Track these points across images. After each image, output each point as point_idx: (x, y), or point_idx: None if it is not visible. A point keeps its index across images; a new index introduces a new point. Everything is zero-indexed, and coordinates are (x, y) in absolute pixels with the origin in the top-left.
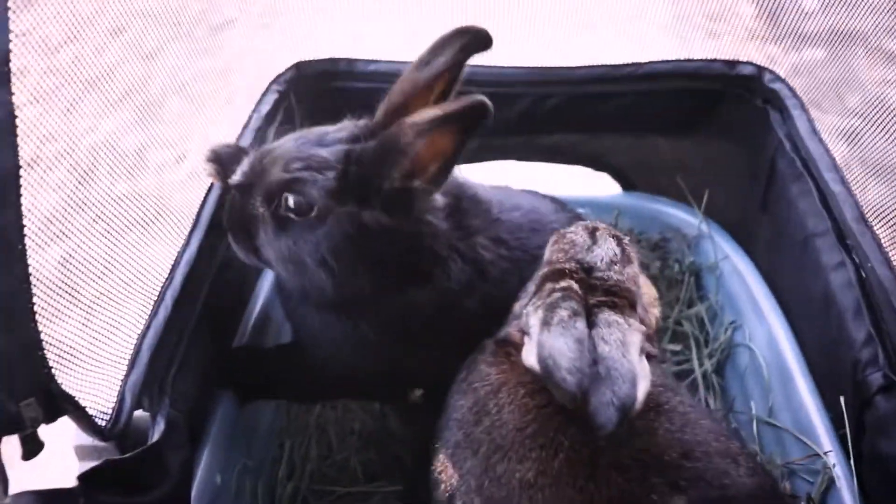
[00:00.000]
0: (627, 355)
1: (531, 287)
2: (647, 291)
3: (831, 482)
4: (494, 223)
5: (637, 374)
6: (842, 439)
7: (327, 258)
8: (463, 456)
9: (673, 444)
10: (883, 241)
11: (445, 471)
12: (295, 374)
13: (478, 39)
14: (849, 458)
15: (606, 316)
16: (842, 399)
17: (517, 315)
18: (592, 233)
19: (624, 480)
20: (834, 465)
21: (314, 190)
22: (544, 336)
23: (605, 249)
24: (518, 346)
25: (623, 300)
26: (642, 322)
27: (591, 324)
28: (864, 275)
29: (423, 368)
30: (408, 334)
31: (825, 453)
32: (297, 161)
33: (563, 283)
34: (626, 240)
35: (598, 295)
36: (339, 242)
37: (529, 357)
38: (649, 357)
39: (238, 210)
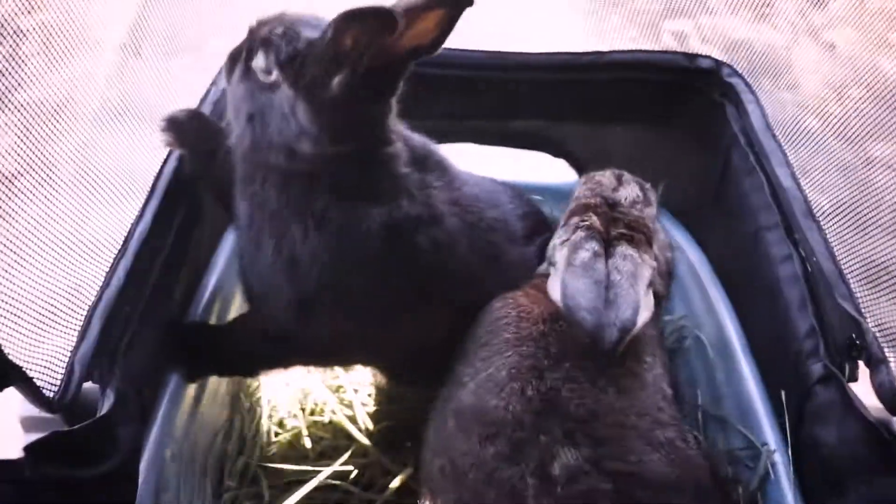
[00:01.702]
0: (635, 286)
1: (561, 220)
2: (662, 237)
3: (771, 466)
4: (454, 189)
5: (640, 304)
6: (783, 427)
7: (270, 120)
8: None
9: (588, 400)
10: (829, 236)
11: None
12: (246, 346)
13: None
14: (788, 446)
15: (623, 249)
16: (783, 393)
17: (549, 251)
18: (619, 177)
19: (522, 409)
20: (774, 451)
21: (273, 58)
22: (567, 276)
23: (629, 191)
24: (545, 278)
25: (641, 235)
26: (656, 260)
27: (608, 254)
28: (809, 268)
29: (374, 322)
30: (356, 259)
31: (762, 445)
32: (283, 28)
33: (587, 220)
34: (648, 186)
35: (619, 227)
36: (287, 114)
37: (554, 290)
38: (657, 295)
39: (243, 43)
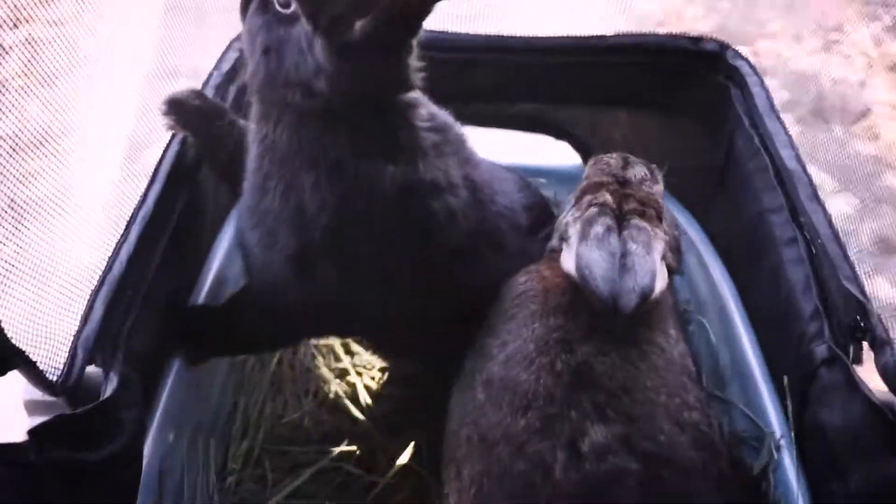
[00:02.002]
0: (650, 254)
1: (570, 200)
2: (668, 214)
3: (776, 449)
4: (471, 165)
5: (656, 271)
6: (787, 410)
7: (286, 55)
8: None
9: (620, 374)
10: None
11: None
12: (247, 320)
13: None
14: (791, 430)
15: (636, 222)
16: (785, 378)
17: (558, 227)
18: (625, 158)
19: (553, 383)
20: (781, 437)
21: None
22: (582, 248)
23: (637, 170)
24: (558, 251)
25: (652, 210)
26: (667, 239)
27: (622, 227)
28: (814, 250)
29: (372, 285)
30: (366, 216)
31: (767, 429)
32: None
33: (599, 197)
34: (654, 166)
35: (630, 203)
36: (304, 48)
37: (567, 262)
38: (670, 270)
39: None
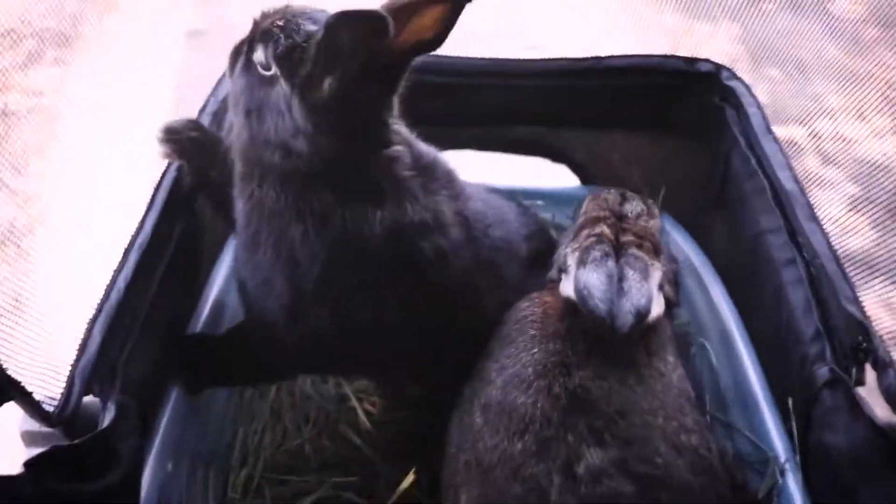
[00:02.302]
0: (647, 281)
1: (569, 234)
2: (666, 249)
3: (780, 474)
4: (461, 200)
5: (653, 295)
6: (791, 433)
7: (267, 116)
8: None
9: (617, 398)
10: (831, 238)
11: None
12: (245, 354)
13: None
14: (796, 453)
15: (633, 251)
16: (789, 400)
17: (556, 259)
18: (623, 194)
19: (551, 406)
20: (786, 461)
21: (272, 51)
22: (580, 272)
23: (634, 205)
24: (556, 282)
25: (649, 243)
26: (664, 272)
27: (619, 256)
28: (813, 271)
29: (368, 328)
30: (357, 263)
31: (771, 453)
32: (284, 20)
33: (597, 230)
34: (651, 202)
35: (627, 236)
36: (283, 110)
37: (566, 288)
38: (669, 302)
39: (246, 36)
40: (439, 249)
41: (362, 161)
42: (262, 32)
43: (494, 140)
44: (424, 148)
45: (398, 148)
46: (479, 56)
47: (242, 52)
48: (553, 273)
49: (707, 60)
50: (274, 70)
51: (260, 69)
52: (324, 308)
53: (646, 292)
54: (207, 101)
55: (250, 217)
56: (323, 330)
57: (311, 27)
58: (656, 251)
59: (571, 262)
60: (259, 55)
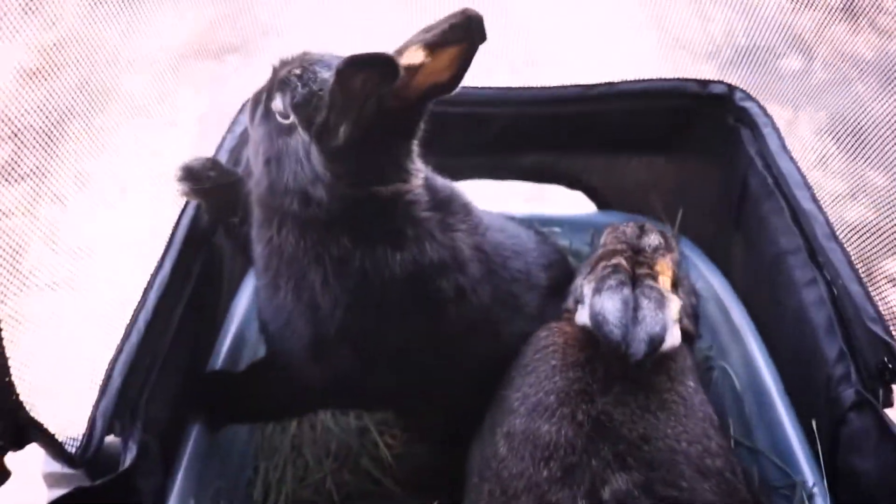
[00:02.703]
0: (662, 311)
1: (586, 267)
2: (686, 283)
3: (809, 499)
4: (478, 234)
5: (668, 325)
6: (818, 456)
7: (286, 164)
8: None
9: (640, 423)
10: (853, 257)
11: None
12: (266, 391)
13: (469, 23)
14: (823, 477)
15: (650, 283)
16: (813, 423)
17: (573, 290)
18: (641, 227)
19: (575, 433)
20: (814, 485)
21: (289, 100)
22: (596, 298)
23: (652, 239)
24: (572, 312)
25: (666, 277)
26: (683, 306)
27: (635, 287)
28: (835, 291)
29: (391, 366)
30: (377, 305)
31: (798, 478)
32: (301, 69)
33: (614, 261)
34: (670, 235)
35: (644, 269)
36: (301, 158)
37: (582, 317)
38: (689, 336)
39: (265, 84)
40: (458, 288)
41: (381, 207)
42: (279, 81)
43: (510, 167)
44: (441, 183)
45: (417, 191)
46: (492, 86)
47: (261, 100)
48: (569, 303)
49: (720, 82)
50: (292, 118)
51: (278, 118)
52: (346, 349)
53: (660, 321)
54: (224, 138)
55: (269, 261)
56: (345, 368)
57: (328, 74)
58: (674, 284)
59: (588, 291)
60: (277, 104)
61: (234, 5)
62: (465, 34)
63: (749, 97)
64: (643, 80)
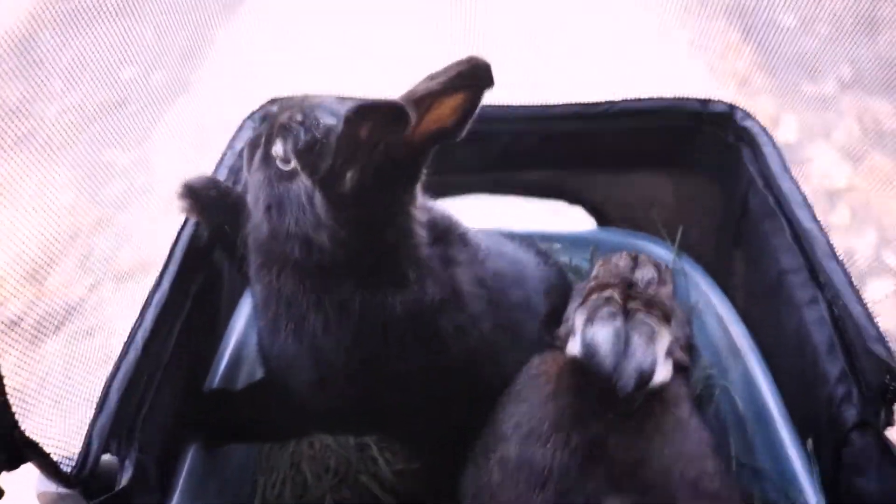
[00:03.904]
0: (653, 345)
1: (578, 297)
2: (679, 313)
3: None
4: (478, 264)
5: (658, 360)
6: (820, 475)
7: (287, 210)
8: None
9: (635, 448)
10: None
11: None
12: (265, 413)
13: (476, 71)
14: (827, 497)
15: (641, 317)
16: (809, 442)
17: (565, 319)
18: (635, 259)
19: (569, 458)
20: None
21: (291, 146)
22: (587, 328)
23: (645, 272)
24: (564, 342)
25: (658, 311)
26: (676, 338)
27: (626, 319)
28: (836, 311)
29: (393, 400)
30: (379, 346)
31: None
32: (302, 114)
33: (606, 293)
34: (664, 267)
35: (636, 303)
36: (304, 204)
37: (573, 348)
38: (683, 367)
39: (263, 130)
40: (458, 325)
41: (385, 252)
42: (280, 126)
43: (510, 183)
44: (438, 213)
45: (421, 234)
46: (492, 103)
47: (259, 145)
48: (561, 331)
49: (721, 101)
50: (293, 164)
51: (279, 163)
52: (348, 385)
53: (650, 354)
54: (224, 154)
55: (268, 301)
56: (346, 401)
57: (330, 120)
58: (666, 318)
59: (579, 321)
60: (278, 149)
61: None
62: (471, 82)
63: (749, 116)
64: (644, 99)
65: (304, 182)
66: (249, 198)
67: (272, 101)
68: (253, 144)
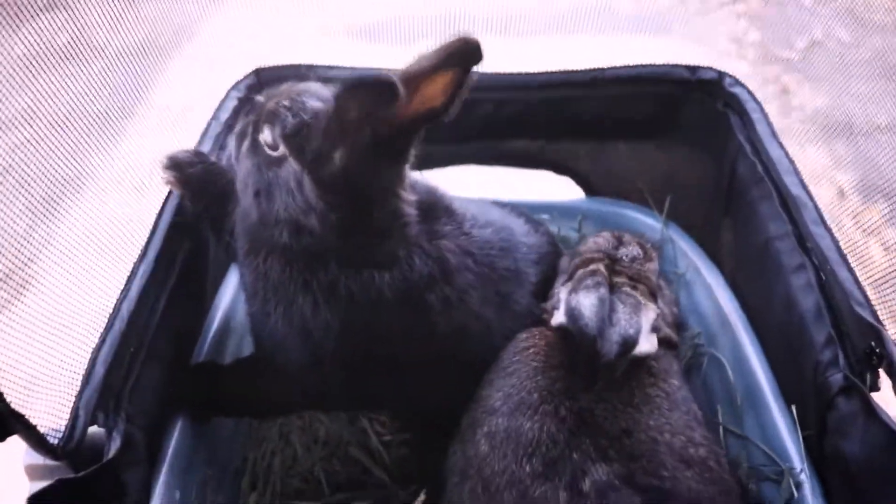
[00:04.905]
0: (637, 315)
1: (563, 275)
2: (668, 293)
3: (796, 486)
4: (465, 235)
5: (641, 329)
6: (806, 441)
7: (276, 196)
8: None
9: (622, 418)
10: (841, 243)
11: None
12: (253, 389)
13: (466, 47)
14: (813, 462)
15: (627, 290)
16: (793, 408)
17: (551, 295)
18: (619, 237)
19: (557, 428)
20: (801, 471)
21: (279, 131)
22: (572, 296)
23: (630, 249)
24: (550, 315)
25: (643, 287)
26: (662, 312)
27: (612, 292)
28: (823, 277)
29: (386, 379)
30: (368, 325)
31: (787, 465)
32: (289, 100)
33: (591, 267)
34: (649, 245)
35: (621, 278)
36: (293, 188)
37: (557, 318)
38: (670, 344)
39: (250, 118)
40: (446, 299)
41: (375, 233)
42: (267, 113)
43: (497, 154)
44: (423, 187)
45: (410, 213)
46: (478, 71)
47: (247, 133)
48: (548, 305)
49: (709, 68)
50: (282, 150)
51: (267, 150)
52: (339, 365)
53: (634, 324)
54: (209, 124)
55: (256, 286)
56: (337, 379)
57: (317, 104)
58: (651, 294)
59: (564, 293)
60: (266, 136)
61: None
62: (461, 60)
63: (738, 83)
64: (631, 66)
65: (292, 167)
66: (238, 185)
67: (256, 72)
68: (240, 133)
